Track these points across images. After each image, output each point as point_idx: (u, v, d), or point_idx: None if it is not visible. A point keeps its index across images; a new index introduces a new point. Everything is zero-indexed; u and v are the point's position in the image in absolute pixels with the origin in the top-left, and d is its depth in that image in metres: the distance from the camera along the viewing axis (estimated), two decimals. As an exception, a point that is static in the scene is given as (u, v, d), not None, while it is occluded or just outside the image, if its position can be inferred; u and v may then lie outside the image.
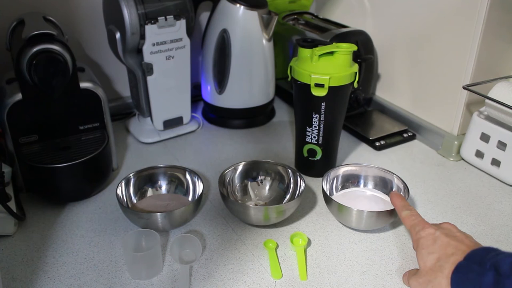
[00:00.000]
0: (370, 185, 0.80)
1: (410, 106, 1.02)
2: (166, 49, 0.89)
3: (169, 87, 0.93)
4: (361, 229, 0.73)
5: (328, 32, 0.98)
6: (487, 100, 0.83)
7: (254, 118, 1.05)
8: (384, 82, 1.07)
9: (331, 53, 0.77)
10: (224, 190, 0.76)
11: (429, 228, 0.60)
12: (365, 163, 0.81)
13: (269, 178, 0.80)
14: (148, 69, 0.89)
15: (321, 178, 0.77)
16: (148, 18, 0.84)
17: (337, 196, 0.78)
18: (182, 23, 0.88)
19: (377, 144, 0.96)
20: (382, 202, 0.76)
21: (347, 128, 1.02)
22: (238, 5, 0.94)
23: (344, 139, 0.99)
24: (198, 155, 0.94)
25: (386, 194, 0.77)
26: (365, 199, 0.78)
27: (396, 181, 0.77)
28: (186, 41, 0.90)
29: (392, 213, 0.69)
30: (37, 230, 0.72)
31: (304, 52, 0.79)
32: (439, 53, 0.91)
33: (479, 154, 0.88)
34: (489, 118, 0.86)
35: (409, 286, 0.61)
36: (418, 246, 0.60)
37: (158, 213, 0.68)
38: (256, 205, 0.77)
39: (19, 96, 0.72)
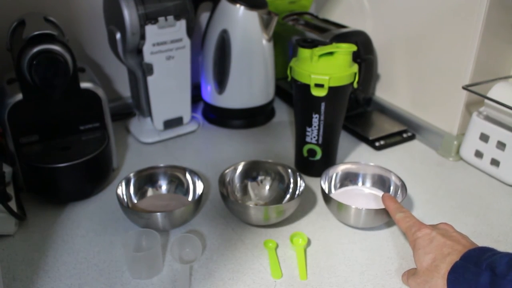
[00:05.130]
0: (368, 183, 0.80)
1: (409, 106, 1.02)
2: (166, 49, 0.89)
3: (169, 87, 0.94)
4: (359, 227, 0.73)
5: (328, 33, 0.99)
6: (486, 100, 0.83)
7: (254, 118, 1.05)
8: (383, 82, 1.07)
9: (331, 53, 0.77)
10: (224, 190, 0.76)
11: (425, 228, 0.61)
12: (363, 161, 0.81)
13: (269, 178, 0.80)
14: (148, 69, 0.89)
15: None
16: (148, 18, 0.84)
17: (335, 194, 0.78)
18: (182, 24, 0.88)
19: (377, 144, 0.96)
20: (380, 200, 0.76)
21: (347, 128, 1.02)
22: (238, 5, 0.94)
23: (344, 139, 0.99)
24: (198, 155, 0.94)
25: (384, 192, 0.78)
26: (364, 197, 0.78)
27: (393, 179, 0.77)
28: (186, 41, 0.91)
29: (390, 211, 0.69)
30: (38, 230, 0.72)
31: (304, 53, 0.79)
32: (438, 53, 0.91)
33: (479, 154, 0.88)
34: (488, 118, 0.86)
35: (408, 286, 0.61)
36: (415, 246, 0.60)
37: (158, 213, 0.68)
38: (256, 205, 0.77)
39: (19, 96, 0.73)
